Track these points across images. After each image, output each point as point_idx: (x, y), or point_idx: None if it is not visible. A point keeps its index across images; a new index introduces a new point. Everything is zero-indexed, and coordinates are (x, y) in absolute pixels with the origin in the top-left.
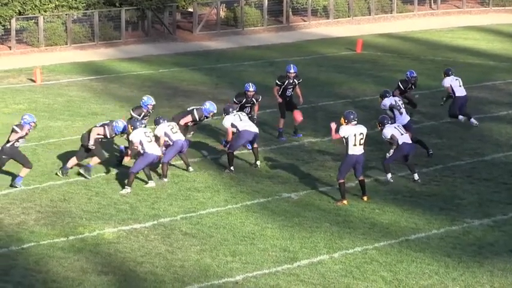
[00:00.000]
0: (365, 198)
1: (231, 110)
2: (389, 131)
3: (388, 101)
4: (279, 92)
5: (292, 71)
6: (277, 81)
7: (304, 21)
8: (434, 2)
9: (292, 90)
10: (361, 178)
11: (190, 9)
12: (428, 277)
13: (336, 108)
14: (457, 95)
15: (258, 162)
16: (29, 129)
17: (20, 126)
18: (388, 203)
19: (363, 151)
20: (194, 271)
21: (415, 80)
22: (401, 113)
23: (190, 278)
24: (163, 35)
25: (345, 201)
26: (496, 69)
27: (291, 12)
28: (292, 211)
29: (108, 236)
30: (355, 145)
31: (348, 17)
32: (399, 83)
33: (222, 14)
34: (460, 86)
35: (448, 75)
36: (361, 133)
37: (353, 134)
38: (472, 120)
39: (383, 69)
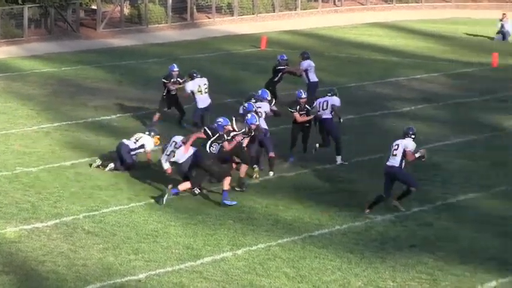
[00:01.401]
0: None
1: None
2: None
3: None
4: (164, 90)
5: (175, 69)
6: (163, 80)
7: (209, 18)
8: None
9: (177, 89)
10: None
11: (94, 7)
12: (331, 273)
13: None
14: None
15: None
16: None
17: None
18: (292, 200)
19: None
20: (97, 270)
21: (286, 63)
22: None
23: (92, 276)
24: (66, 33)
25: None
26: (399, 65)
27: (195, 10)
28: (196, 208)
29: (9, 235)
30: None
31: (253, 14)
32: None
33: (126, 11)
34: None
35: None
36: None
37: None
38: None
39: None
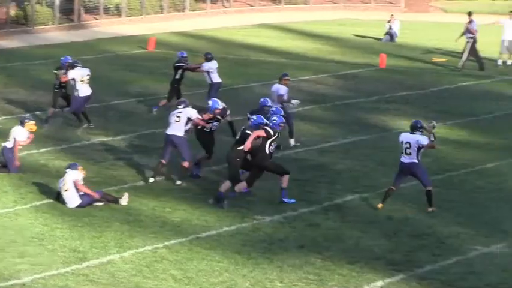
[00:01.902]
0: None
1: None
2: None
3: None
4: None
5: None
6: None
7: (96, 19)
8: (227, 0)
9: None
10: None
11: None
12: (218, 274)
13: (128, 106)
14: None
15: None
16: None
17: None
18: (180, 201)
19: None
20: None
21: (185, 60)
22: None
23: None
24: None
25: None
26: (288, 67)
27: (82, 11)
28: (82, 211)
29: None
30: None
31: (141, 15)
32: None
33: (12, 12)
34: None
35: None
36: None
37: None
38: None
39: None
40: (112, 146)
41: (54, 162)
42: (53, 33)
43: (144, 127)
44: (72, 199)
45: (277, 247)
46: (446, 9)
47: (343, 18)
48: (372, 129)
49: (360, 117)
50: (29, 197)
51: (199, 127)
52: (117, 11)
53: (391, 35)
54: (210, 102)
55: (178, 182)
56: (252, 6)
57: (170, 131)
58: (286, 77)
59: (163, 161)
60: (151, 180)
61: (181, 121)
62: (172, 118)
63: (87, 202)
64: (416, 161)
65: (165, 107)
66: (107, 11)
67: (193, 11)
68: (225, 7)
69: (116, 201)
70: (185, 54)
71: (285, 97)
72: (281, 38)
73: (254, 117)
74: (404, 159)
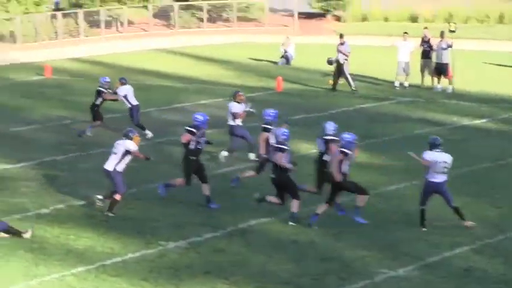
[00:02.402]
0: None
1: None
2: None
3: None
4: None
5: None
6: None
7: None
8: (121, 25)
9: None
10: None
11: None
12: None
13: (27, 134)
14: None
15: None
16: None
17: None
18: (84, 228)
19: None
20: None
21: (108, 85)
22: None
23: None
24: None
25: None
26: (185, 91)
27: None
28: None
29: None
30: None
31: (35, 42)
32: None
33: None
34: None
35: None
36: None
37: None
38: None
39: (72, 93)
40: (13, 174)
41: None
42: None
43: (44, 154)
44: None
45: (184, 273)
46: (340, 31)
47: (237, 42)
48: None
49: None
50: None
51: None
52: (12, 37)
53: (286, 58)
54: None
55: (107, 213)
56: (146, 31)
57: (105, 164)
58: (240, 93)
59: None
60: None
61: (118, 154)
62: (112, 149)
63: None
64: (445, 180)
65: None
66: (1, 38)
67: (87, 36)
68: (120, 32)
69: (19, 234)
70: (107, 79)
71: (241, 114)
72: (177, 62)
73: (347, 135)
74: (438, 178)
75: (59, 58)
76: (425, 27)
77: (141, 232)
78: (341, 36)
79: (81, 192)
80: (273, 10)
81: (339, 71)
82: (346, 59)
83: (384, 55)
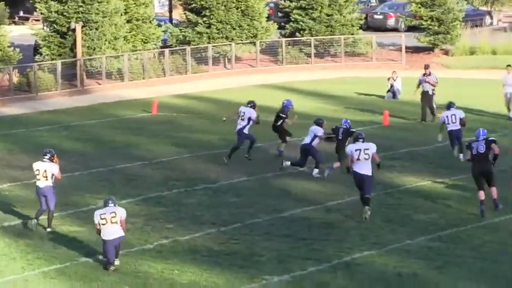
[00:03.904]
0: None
1: None
2: None
3: None
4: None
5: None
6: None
7: (99, 84)
8: (229, 62)
9: None
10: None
11: None
12: None
13: (133, 170)
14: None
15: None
16: None
17: None
18: (187, 263)
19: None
20: None
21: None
22: None
23: None
24: None
25: None
26: (293, 126)
27: (85, 76)
28: (91, 275)
29: None
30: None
31: (143, 79)
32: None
33: (15, 79)
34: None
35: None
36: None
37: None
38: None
39: (179, 129)
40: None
41: (62, 228)
42: (56, 99)
43: (150, 190)
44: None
45: None
46: (448, 65)
47: (345, 77)
48: (377, 186)
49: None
50: (37, 263)
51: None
52: (120, 75)
53: (393, 92)
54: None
55: (48, 229)
56: (253, 67)
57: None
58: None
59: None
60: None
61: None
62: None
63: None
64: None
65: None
66: (109, 75)
67: (195, 73)
68: (227, 68)
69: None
70: (291, 104)
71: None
72: (284, 97)
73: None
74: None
75: (165, 95)
76: None
77: (244, 267)
78: (426, 67)
79: (186, 227)
80: (380, 45)
81: (428, 102)
82: (434, 90)
83: (492, 88)
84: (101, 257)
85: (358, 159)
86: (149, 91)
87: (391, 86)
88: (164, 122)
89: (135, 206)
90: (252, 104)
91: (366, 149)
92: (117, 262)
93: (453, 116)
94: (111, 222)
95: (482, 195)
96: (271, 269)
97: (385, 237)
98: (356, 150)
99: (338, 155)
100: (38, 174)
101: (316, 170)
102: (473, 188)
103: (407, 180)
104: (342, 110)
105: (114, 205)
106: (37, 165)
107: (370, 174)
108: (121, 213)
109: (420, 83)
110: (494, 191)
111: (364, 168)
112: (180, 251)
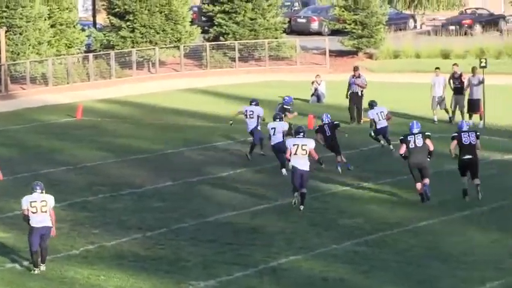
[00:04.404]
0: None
1: None
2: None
3: None
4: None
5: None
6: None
7: (23, 89)
8: (153, 66)
9: None
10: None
11: None
12: None
13: (58, 175)
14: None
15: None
16: None
17: None
18: (113, 269)
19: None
20: None
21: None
22: None
23: None
24: None
25: None
26: (216, 130)
27: (9, 81)
28: (18, 281)
29: None
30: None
31: (67, 83)
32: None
33: None
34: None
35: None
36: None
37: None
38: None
39: (104, 134)
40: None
41: None
42: None
43: (75, 195)
44: None
45: None
46: (372, 68)
47: (269, 80)
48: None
49: (290, 179)
50: None
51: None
52: (44, 80)
53: (317, 96)
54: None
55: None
56: (178, 71)
57: None
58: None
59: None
60: None
61: None
62: None
63: None
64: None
65: None
66: (33, 80)
67: (119, 77)
68: (152, 73)
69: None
70: (292, 100)
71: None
72: (208, 102)
73: None
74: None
75: (90, 99)
76: (455, 64)
77: (170, 272)
78: (356, 69)
79: (111, 233)
80: (304, 49)
81: (356, 103)
82: (362, 92)
83: (416, 92)
84: (26, 263)
85: (295, 153)
86: (74, 96)
87: (315, 89)
88: (89, 127)
89: (61, 211)
90: (256, 102)
91: (304, 145)
92: (43, 268)
93: (381, 113)
94: (42, 211)
95: (419, 186)
96: (198, 275)
97: (311, 241)
98: (294, 145)
99: (333, 151)
100: None
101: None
102: (398, 192)
103: (333, 185)
104: (266, 114)
105: (42, 191)
106: None
107: (308, 169)
108: (50, 202)
109: (350, 84)
110: (426, 180)
111: (302, 163)
112: (106, 257)
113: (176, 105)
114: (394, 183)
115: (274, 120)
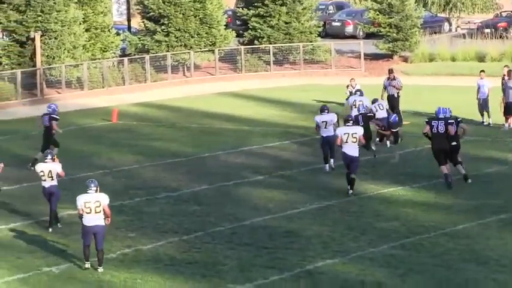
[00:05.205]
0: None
1: None
2: None
3: None
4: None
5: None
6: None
7: (59, 93)
8: (188, 70)
9: None
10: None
11: None
12: None
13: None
14: None
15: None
16: None
17: None
18: (150, 272)
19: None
20: None
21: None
22: None
23: None
24: None
25: None
26: (251, 134)
27: (45, 85)
28: (54, 285)
29: None
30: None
31: (103, 87)
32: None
33: None
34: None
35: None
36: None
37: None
38: None
39: (139, 138)
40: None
41: (24, 237)
42: (16, 108)
43: (111, 199)
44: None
45: None
46: (407, 71)
47: (304, 84)
48: (339, 193)
49: (325, 182)
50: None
51: None
52: (79, 83)
53: None
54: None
55: (50, 229)
56: (212, 75)
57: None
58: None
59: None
60: None
61: None
62: None
63: None
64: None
65: None
66: (69, 84)
67: (154, 81)
68: (186, 77)
69: None
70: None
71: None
72: (243, 105)
73: None
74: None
75: (125, 103)
76: (506, 66)
77: (207, 276)
78: (390, 71)
79: (148, 236)
80: (339, 52)
81: (393, 105)
82: (399, 94)
83: (453, 94)
84: (64, 266)
85: (346, 142)
86: (109, 99)
87: (350, 93)
88: (124, 130)
89: None
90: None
91: (354, 133)
92: (100, 269)
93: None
94: (95, 211)
95: (444, 169)
96: (234, 278)
97: (348, 245)
98: (345, 134)
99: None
100: (43, 175)
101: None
102: (434, 196)
103: (369, 188)
104: (300, 118)
105: (96, 189)
106: (41, 167)
107: (357, 155)
108: (105, 201)
109: (385, 87)
110: (458, 166)
111: (352, 150)
112: (143, 260)
113: (211, 108)
114: (430, 186)
115: (322, 112)
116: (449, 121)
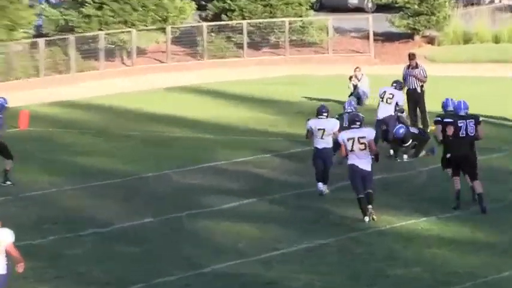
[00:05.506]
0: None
1: None
2: None
3: None
4: None
5: None
6: None
7: None
8: (128, 56)
9: None
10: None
11: None
12: None
13: None
14: None
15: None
16: None
17: None
18: None
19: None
20: None
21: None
22: None
23: None
24: None
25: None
26: (216, 145)
27: None
28: None
29: None
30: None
31: (8, 80)
32: None
33: None
34: None
35: None
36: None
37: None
38: None
39: (58, 150)
40: None
41: None
42: None
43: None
44: None
45: None
46: (434, 57)
47: (290, 75)
48: (339, 227)
49: (320, 211)
50: None
51: None
52: None
53: (357, 96)
54: None
55: None
56: (163, 62)
57: None
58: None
59: None
60: None
61: None
62: None
63: None
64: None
65: None
66: None
67: (81, 71)
68: (126, 65)
69: None
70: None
71: None
72: (204, 105)
73: None
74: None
75: (39, 102)
76: None
77: None
78: (412, 57)
79: None
80: (339, 31)
81: (415, 103)
82: (422, 88)
83: (495, 88)
84: None
85: (351, 150)
86: (16, 97)
87: (355, 87)
88: (36, 140)
89: None
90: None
91: (361, 137)
92: None
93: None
94: None
95: (457, 183)
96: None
97: None
98: (349, 140)
99: None
100: None
101: None
102: (469, 231)
103: (380, 220)
104: (284, 122)
105: None
106: None
107: (370, 169)
108: (7, 238)
109: (404, 78)
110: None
111: (362, 161)
112: None
113: (160, 109)
114: (465, 216)
115: (320, 115)
116: (479, 120)
